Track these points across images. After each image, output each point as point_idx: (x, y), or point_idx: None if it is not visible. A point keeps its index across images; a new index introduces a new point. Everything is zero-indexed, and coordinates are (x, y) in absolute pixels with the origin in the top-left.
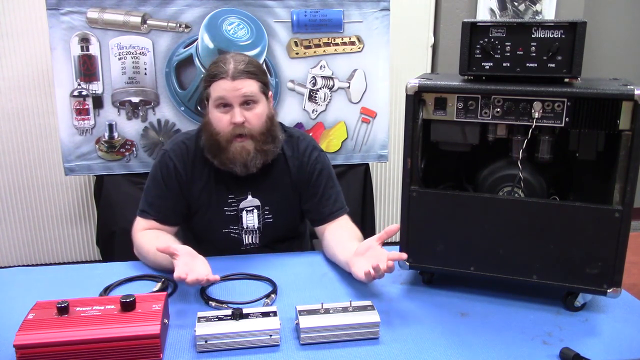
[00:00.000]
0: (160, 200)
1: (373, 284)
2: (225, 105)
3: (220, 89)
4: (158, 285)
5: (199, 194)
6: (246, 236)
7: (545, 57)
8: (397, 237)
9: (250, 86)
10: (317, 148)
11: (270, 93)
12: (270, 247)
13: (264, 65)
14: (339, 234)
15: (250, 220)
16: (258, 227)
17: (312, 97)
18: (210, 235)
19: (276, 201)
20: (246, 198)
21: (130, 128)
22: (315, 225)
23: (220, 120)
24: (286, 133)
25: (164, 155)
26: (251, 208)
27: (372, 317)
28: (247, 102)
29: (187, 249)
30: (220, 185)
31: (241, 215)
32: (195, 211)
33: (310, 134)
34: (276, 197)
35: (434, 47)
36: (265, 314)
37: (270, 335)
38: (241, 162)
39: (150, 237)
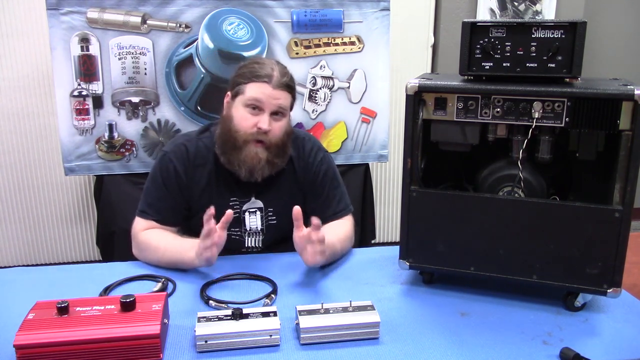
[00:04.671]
0: (160, 202)
1: (373, 283)
2: (256, 107)
3: (258, 91)
4: (158, 285)
5: (199, 196)
6: (248, 238)
7: (545, 57)
8: (397, 237)
9: (286, 99)
10: (322, 149)
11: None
12: (271, 248)
13: None
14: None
15: (253, 222)
16: (261, 228)
17: (312, 97)
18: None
19: (281, 203)
20: (249, 200)
21: (130, 128)
22: None
23: (246, 120)
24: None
25: (164, 156)
26: (254, 210)
27: (372, 317)
28: (277, 113)
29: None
30: (221, 187)
31: (244, 217)
32: (196, 212)
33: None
34: (281, 199)
35: (434, 47)
36: (265, 314)
37: (270, 335)
38: (249, 167)
39: (159, 233)
